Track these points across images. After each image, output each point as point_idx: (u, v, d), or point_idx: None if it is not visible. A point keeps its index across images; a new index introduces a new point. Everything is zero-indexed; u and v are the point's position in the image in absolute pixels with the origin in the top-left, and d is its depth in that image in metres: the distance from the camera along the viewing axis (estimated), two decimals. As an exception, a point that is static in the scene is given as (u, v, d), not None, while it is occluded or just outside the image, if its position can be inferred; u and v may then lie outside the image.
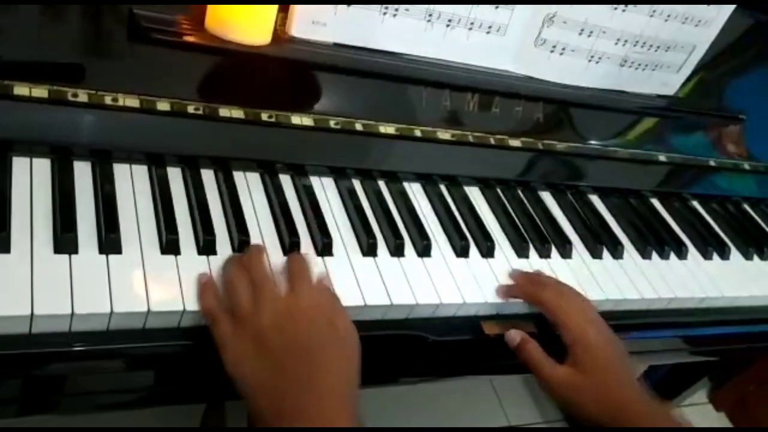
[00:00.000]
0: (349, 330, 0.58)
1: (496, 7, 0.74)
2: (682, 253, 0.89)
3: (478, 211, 0.81)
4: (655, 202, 0.98)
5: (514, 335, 0.70)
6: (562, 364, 0.67)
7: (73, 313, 0.52)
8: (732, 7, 0.84)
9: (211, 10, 0.63)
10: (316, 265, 0.64)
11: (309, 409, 0.52)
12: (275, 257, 0.64)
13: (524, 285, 0.72)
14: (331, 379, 0.54)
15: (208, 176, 0.68)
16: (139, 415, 1.10)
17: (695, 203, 1.02)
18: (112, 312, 0.53)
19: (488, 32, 0.75)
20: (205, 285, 0.58)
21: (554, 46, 0.80)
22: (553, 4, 0.76)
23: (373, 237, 0.70)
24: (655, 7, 0.80)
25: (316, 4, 0.67)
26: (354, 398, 0.54)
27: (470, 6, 0.72)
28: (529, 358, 0.68)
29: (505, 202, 0.84)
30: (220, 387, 0.64)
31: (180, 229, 0.61)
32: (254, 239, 0.64)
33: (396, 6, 0.69)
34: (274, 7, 0.64)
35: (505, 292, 0.71)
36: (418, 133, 0.79)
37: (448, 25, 0.73)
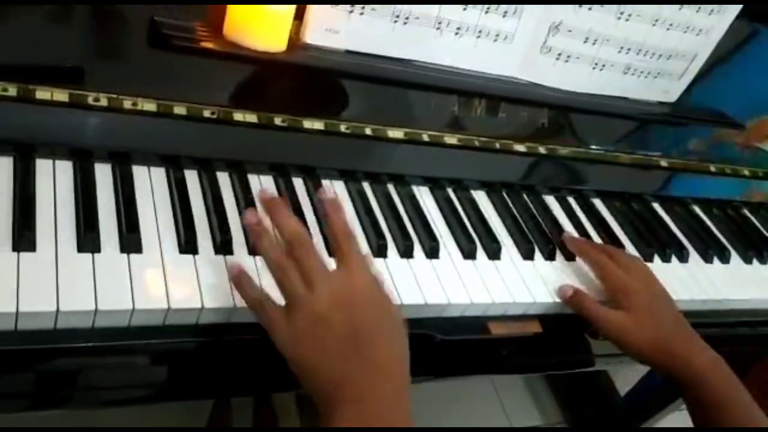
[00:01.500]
0: (398, 310, 0.58)
1: (504, 16, 0.76)
2: (683, 257, 0.90)
3: (485, 214, 0.82)
4: (657, 206, 1.00)
5: (567, 288, 0.75)
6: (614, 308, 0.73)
7: (96, 310, 0.54)
8: (732, 16, 0.86)
9: (229, 17, 0.65)
10: (328, 265, 0.66)
11: (370, 392, 0.52)
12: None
13: (580, 245, 0.81)
14: (389, 362, 0.54)
15: (223, 178, 0.70)
16: (141, 414, 1.11)
17: (696, 207, 1.04)
18: (134, 309, 0.55)
19: (495, 40, 0.78)
20: (239, 276, 0.57)
21: (559, 54, 0.82)
22: (559, 3, 0.77)
23: (383, 238, 0.72)
24: (657, 16, 0.82)
25: (330, 4, 0.68)
26: (409, 381, 0.54)
27: (479, 15, 0.74)
28: (581, 304, 0.73)
29: (511, 205, 0.86)
30: (235, 383, 0.66)
31: (197, 230, 0.63)
32: (268, 240, 0.66)
33: (407, 14, 0.71)
34: (290, 15, 0.66)
35: (571, 244, 0.81)
36: (426, 137, 0.81)
37: (456, 33, 0.75)
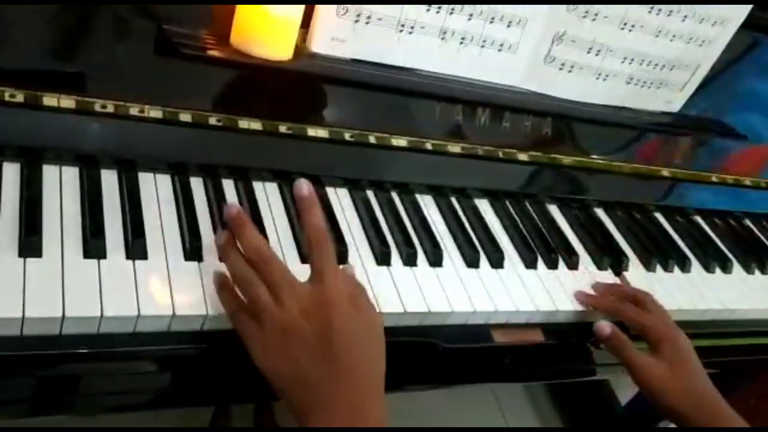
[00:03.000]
0: (376, 320, 0.58)
1: (508, 26, 0.76)
2: (685, 266, 0.91)
3: (488, 223, 0.83)
4: (658, 216, 1.00)
5: (604, 326, 0.74)
6: (652, 357, 0.72)
7: (102, 316, 0.54)
8: (735, 27, 0.87)
9: (236, 26, 0.66)
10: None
11: (340, 400, 0.53)
12: (294, 265, 0.66)
13: (604, 299, 0.78)
14: (361, 370, 0.54)
15: (228, 185, 0.71)
16: (142, 414, 1.11)
17: (697, 217, 1.04)
18: (139, 315, 0.55)
19: (500, 50, 0.78)
20: (222, 285, 0.59)
21: (563, 64, 0.82)
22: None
23: (387, 246, 0.72)
24: (660, 27, 0.83)
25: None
26: (382, 388, 0.55)
27: (483, 24, 0.75)
28: (619, 347, 0.73)
29: (514, 214, 0.86)
30: (238, 390, 0.67)
31: (203, 236, 0.63)
32: (273, 245, 0.66)
33: (412, 24, 0.72)
34: (297, 24, 0.67)
35: (586, 302, 0.78)
36: (429, 146, 0.81)
37: (461, 43, 0.76)
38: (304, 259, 0.67)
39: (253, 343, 0.55)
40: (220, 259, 0.61)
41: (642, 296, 0.78)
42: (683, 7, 0.82)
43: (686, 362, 0.72)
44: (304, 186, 0.59)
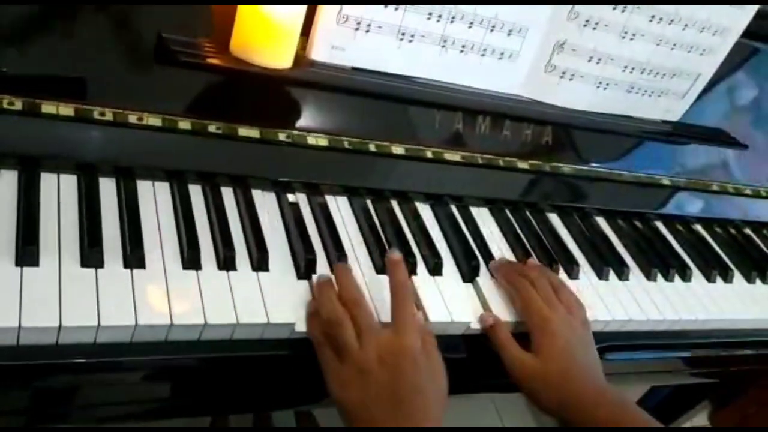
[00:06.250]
0: (440, 371, 0.62)
1: (509, 34, 0.76)
2: (686, 276, 0.90)
3: (488, 231, 0.82)
4: (659, 225, 1.00)
5: (486, 317, 0.71)
6: (527, 351, 0.67)
7: (99, 325, 0.54)
8: (736, 36, 0.87)
9: (236, 34, 0.66)
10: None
11: None
12: (290, 277, 0.66)
13: (506, 272, 0.75)
14: (420, 415, 0.59)
15: (227, 193, 0.70)
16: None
17: (698, 226, 1.04)
18: (136, 324, 0.55)
19: (500, 58, 0.78)
20: (313, 316, 0.63)
21: (564, 73, 0.82)
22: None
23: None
24: (661, 35, 0.82)
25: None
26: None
27: (484, 33, 0.75)
28: (497, 340, 0.69)
29: (514, 223, 0.86)
30: (236, 400, 0.66)
31: (201, 245, 0.63)
32: (272, 255, 0.66)
33: (412, 32, 0.72)
34: (297, 32, 0.66)
35: (494, 269, 0.77)
36: (429, 154, 0.81)
37: (461, 51, 0.75)
38: (300, 276, 0.67)
39: (332, 375, 0.60)
40: (313, 296, 0.65)
41: (535, 277, 0.73)
42: (684, 15, 0.81)
43: (557, 354, 0.66)
44: (396, 253, 0.67)
